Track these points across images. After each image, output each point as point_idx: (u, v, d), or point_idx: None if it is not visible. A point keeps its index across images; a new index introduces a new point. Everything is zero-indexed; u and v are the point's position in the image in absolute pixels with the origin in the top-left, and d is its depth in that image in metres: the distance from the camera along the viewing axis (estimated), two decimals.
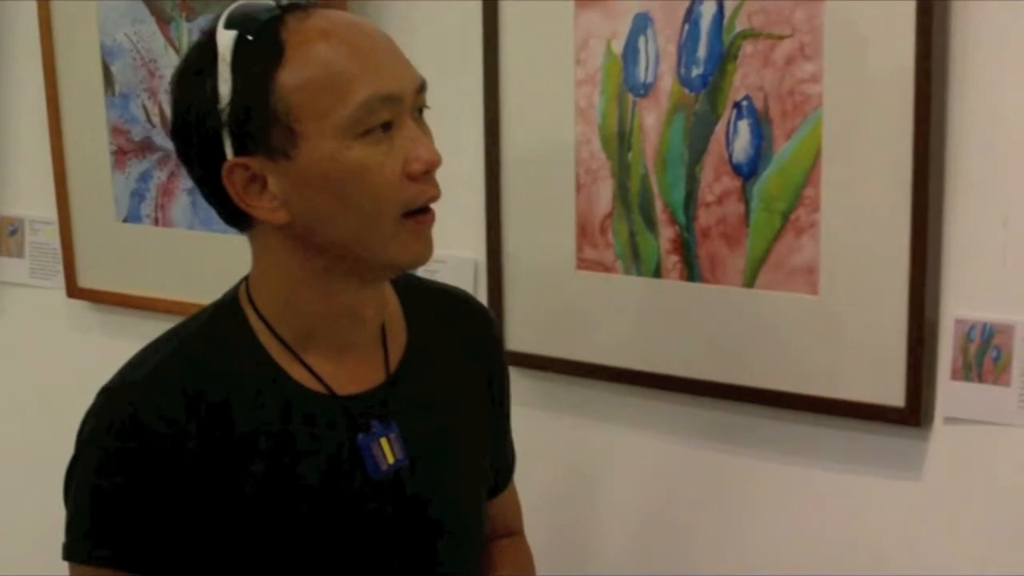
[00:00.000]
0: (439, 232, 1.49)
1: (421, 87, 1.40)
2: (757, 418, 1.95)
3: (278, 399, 1.43)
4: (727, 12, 1.86)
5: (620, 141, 1.97)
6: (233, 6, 1.39)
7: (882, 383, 1.83)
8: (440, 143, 1.46)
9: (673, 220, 1.94)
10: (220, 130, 1.36)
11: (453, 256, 2.11)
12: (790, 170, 1.84)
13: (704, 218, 1.92)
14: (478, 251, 2.11)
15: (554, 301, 2.07)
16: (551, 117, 1.99)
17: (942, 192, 1.78)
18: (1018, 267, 1.77)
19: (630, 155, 1.97)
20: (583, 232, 2.03)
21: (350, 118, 1.34)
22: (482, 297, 2.07)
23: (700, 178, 1.91)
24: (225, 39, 1.36)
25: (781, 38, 1.83)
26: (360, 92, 1.34)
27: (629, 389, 2.03)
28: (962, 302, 1.82)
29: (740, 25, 1.86)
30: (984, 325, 1.80)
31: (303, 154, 1.35)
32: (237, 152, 1.37)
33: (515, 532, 1.78)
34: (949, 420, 1.85)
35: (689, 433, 2.01)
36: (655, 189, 1.95)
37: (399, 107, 1.37)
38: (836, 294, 1.84)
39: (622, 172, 1.97)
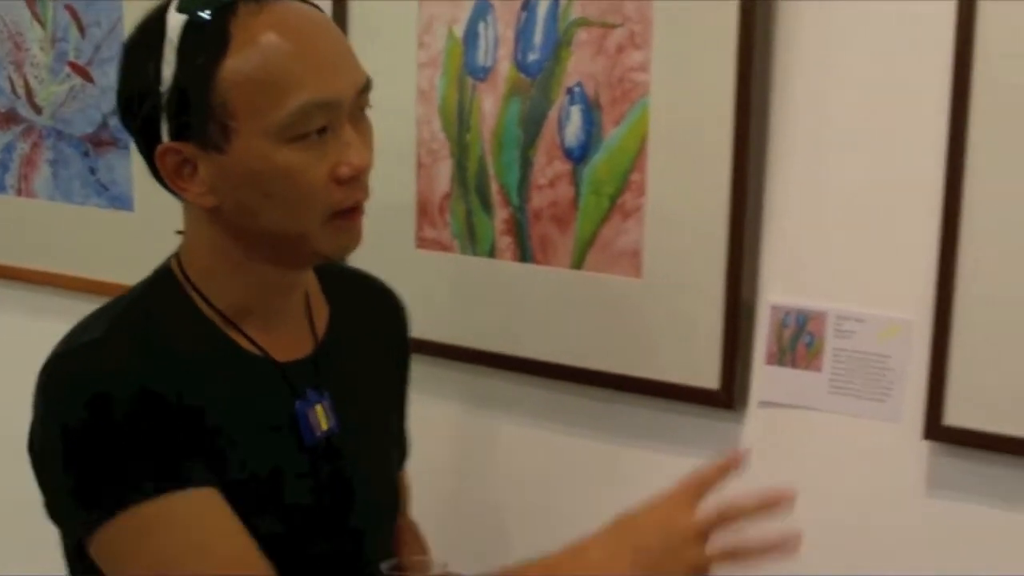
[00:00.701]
0: None
1: (365, 87, 1.41)
2: (582, 398, 2.00)
3: (227, 364, 1.45)
4: (562, 0, 1.91)
5: (459, 123, 2.01)
6: None
7: (699, 366, 1.88)
8: None
9: (507, 202, 1.99)
10: (159, 112, 1.37)
11: None
12: (618, 156, 1.89)
13: (536, 200, 1.96)
14: None
15: (394, 279, 2.10)
16: (394, 98, 2.03)
17: (762, 182, 1.84)
18: (833, 255, 1.83)
19: (468, 137, 2.01)
20: (423, 211, 2.07)
21: (283, 122, 1.35)
22: None
23: (534, 161, 1.96)
24: (175, 22, 1.36)
25: (613, 27, 1.88)
26: (297, 97, 1.35)
27: (462, 366, 2.07)
28: (778, 289, 1.87)
29: (575, 13, 1.91)
30: (799, 311, 1.85)
31: (234, 149, 1.36)
32: (173, 136, 1.37)
33: (404, 515, 1.80)
34: (764, 404, 1.90)
35: (518, 411, 2.06)
36: (491, 171, 1.99)
37: (336, 112, 1.38)
38: (658, 277, 1.90)
39: (461, 153, 2.02)
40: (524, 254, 1.98)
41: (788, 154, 1.83)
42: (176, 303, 1.46)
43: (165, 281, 1.48)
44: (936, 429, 1.78)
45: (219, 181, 1.38)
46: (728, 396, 1.88)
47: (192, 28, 1.35)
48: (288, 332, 1.51)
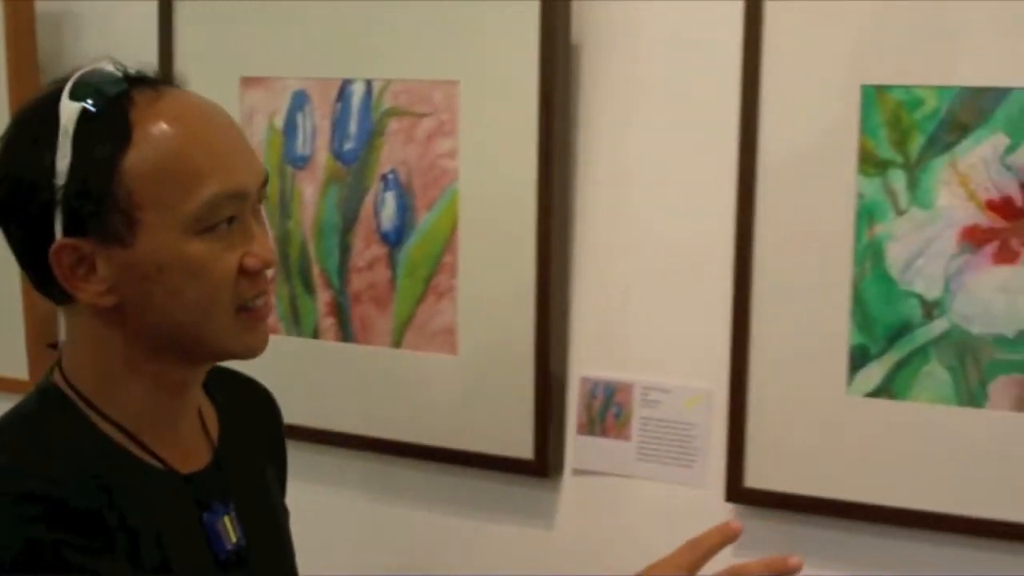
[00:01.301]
0: None
1: (265, 181, 1.36)
2: (406, 470, 2.07)
3: (129, 481, 1.33)
4: (375, 91, 2.00)
5: (281, 210, 2.09)
6: (78, 74, 1.30)
7: (514, 437, 1.96)
8: None
9: (329, 284, 2.06)
10: (53, 206, 1.26)
11: None
12: (431, 239, 1.98)
13: (356, 283, 2.04)
14: None
15: None
16: None
17: (568, 262, 1.94)
18: (636, 330, 1.93)
19: (290, 223, 2.08)
20: None
21: (195, 214, 1.28)
22: None
23: (352, 246, 2.03)
24: (69, 111, 1.27)
25: (423, 116, 1.97)
26: (208, 188, 1.28)
27: (291, 444, 2.12)
28: (587, 362, 1.95)
29: (387, 103, 1.99)
30: (607, 383, 1.94)
31: (141, 243, 1.28)
32: (68, 231, 1.27)
33: None
34: (577, 472, 1.98)
35: (343, 484, 2.12)
36: (312, 255, 2.07)
37: (243, 203, 1.31)
38: (473, 354, 1.98)
39: (283, 240, 2.09)
40: (346, 334, 2.05)
41: (591, 234, 1.94)
42: (68, 421, 1.33)
43: (51, 398, 1.35)
44: (738, 491, 1.87)
45: (121, 278, 1.29)
46: (543, 465, 1.95)
47: (89, 117, 1.27)
48: (186, 440, 1.41)
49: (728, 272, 1.83)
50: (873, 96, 1.75)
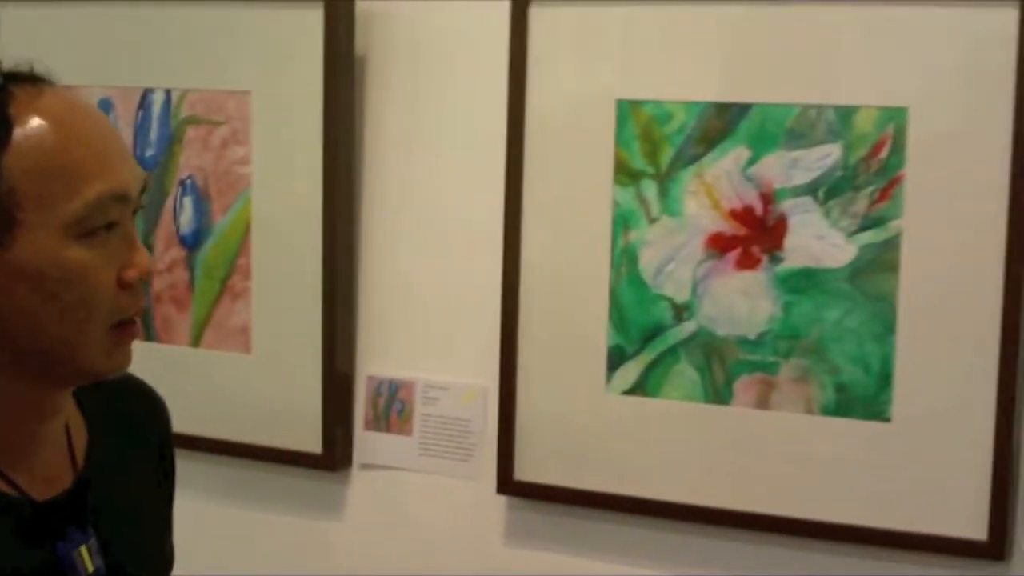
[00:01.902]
0: None
1: (144, 186, 1.27)
2: (205, 464, 2.15)
3: None
4: (174, 100, 2.08)
5: None
6: None
7: (303, 432, 2.06)
8: None
9: None
10: None
11: None
12: (226, 242, 2.06)
13: (157, 284, 2.12)
14: None
15: None
16: None
17: (354, 266, 2.05)
18: (418, 331, 2.04)
19: None
20: None
21: (78, 214, 1.18)
22: None
23: (153, 248, 2.11)
24: None
25: (218, 124, 2.06)
26: (93, 188, 1.19)
27: None
28: (374, 361, 2.05)
29: (185, 112, 2.08)
30: (391, 381, 2.04)
31: (18, 245, 1.18)
32: None
33: None
34: (364, 466, 2.07)
35: (205, 489, 2.20)
36: None
37: (125, 207, 1.23)
38: (266, 353, 2.07)
39: None
40: (149, 334, 2.13)
41: (376, 239, 2.05)
42: None
43: None
44: (508, 484, 1.97)
45: None
46: (330, 459, 2.04)
47: None
48: (46, 464, 1.31)
49: (495, 281, 1.92)
50: (627, 111, 1.85)
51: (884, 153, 1.73)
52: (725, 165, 1.81)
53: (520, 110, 1.90)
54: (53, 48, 2.15)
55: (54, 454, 1.31)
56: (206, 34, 2.06)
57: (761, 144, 1.79)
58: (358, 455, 2.08)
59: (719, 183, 1.81)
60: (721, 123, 1.80)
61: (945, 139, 1.71)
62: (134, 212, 1.25)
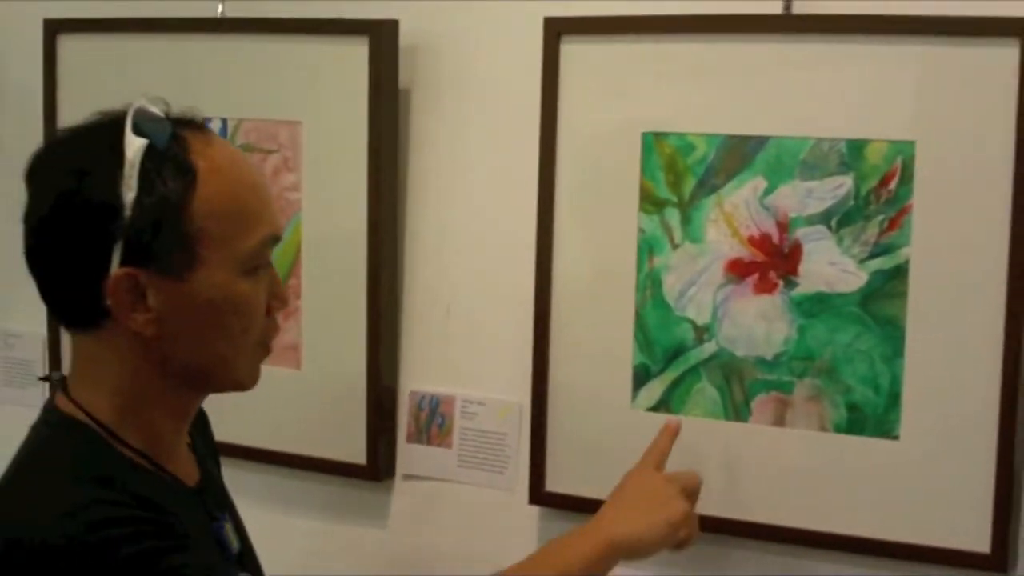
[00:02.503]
0: None
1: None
2: (253, 473, 2.28)
3: (156, 491, 1.39)
4: (230, 128, 2.22)
5: None
6: (132, 110, 1.34)
7: (349, 444, 2.18)
8: None
9: None
10: (115, 237, 1.31)
11: None
12: (279, 264, 2.19)
13: None
14: None
15: None
16: None
17: (398, 288, 2.18)
18: (458, 348, 2.16)
19: None
20: None
21: (250, 252, 1.37)
22: None
23: None
24: (135, 146, 1.31)
25: (270, 152, 2.19)
26: (263, 229, 1.38)
27: None
28: (416, 377, 2.17)
29: (240, 139, 2.21)
30: (432, 396, 2.16)
31: (196, 277, 1.35)
32: (128, 261, 1.32)
33: None
34: (406, 476, 2.19)
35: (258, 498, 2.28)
36: None
37: (275, 247, 1.43)
38: (314, 369, 2.20)
39: None
40: None
41: (419, 263, 2.17)
42: (98, 453, 1.38)
43: (74, 433, 1.39)
44: (539, 495, 2.08)
45: (170, 309, 1.35)
46: (375, 470, 2.16)
47: (155, 154, 1.32)
48: (183, 459, 1.50)
49: (531, 297, 2.04)
50: (652, 142, 1.96)
51: (893, 184, 1.83)
52: (744, 194, 1.91)
53: (552, 140, 2.01)
54: (111, 78, 2.29)
55: (185, 451, 1.51)
56: (259, 66, 2.18)
57: (777, 175, 1.88)
58: (401, 466, 2.19)
59: (738, 211, 1.91)
60: (739, 155, 1.90)
61: (950, 171, 1.80)
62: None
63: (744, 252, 1.91)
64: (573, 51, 2.00)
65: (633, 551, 1.62)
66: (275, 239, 1.41)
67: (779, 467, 1.93)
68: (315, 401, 2.19)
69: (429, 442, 2.16)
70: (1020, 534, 1.85)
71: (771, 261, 1.90)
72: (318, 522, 2.25)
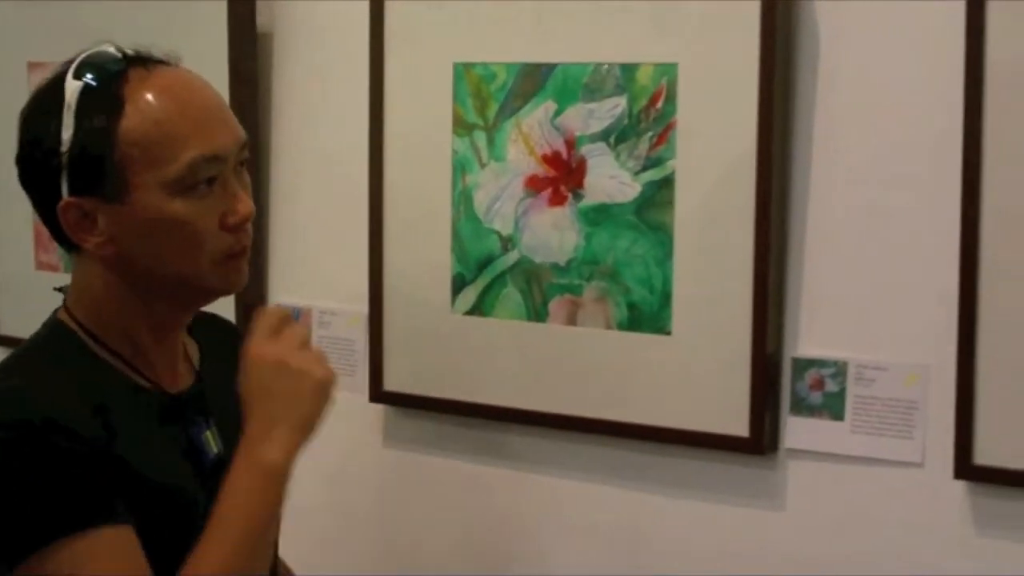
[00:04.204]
0: None
1: (244, 145, 1.51)
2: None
3: (125, 400, 1.51)
4: None
5: None
6: (83, 55, 1.48)
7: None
8: None
9: None
10: (59, 171, 1.45)
11: None
12: None
13: None
14: None
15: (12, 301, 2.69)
16: None
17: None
18: (315, 264, 2.38)
19: None
20: (38, 239, 2.65)
21: (177, 175, 1.45)
22: None
23: None
24: (72, 87, 1.45)
25: None
26: (189, 152, 1.45)
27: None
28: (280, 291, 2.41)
29: None
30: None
31: (133, 201, 1.45)
32: (72, 191, 1.45)
33: None
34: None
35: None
36: None
37: (222, 165, 1.47)
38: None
39: None
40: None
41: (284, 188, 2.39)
42: (73, 350, 1.52)
43: (58, 332, 1.54)
44: (379, 394, 2.31)
45: (118, 231, 1.47)
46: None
47: (87, 92, 1.45)
48: (172, 367, 1.59)
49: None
50: (462, 72, 2.19)
51: (660, 103, 2.03)
52: (538, 116, 2.12)
53: (380, 77, 2.25)
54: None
55: (176, 361, 1.60)
56: (126, 23, 2.45)
57: (565, 98, 2.10)
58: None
59: (533, 132, 2.13)
60: (533, 81, 2.12)
61: (707, 90, 1.99)
62: (242, 165, 1.51)
63: (539, 169, 2.13)
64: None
65: (295, 452, 1.49)
66: (211, 159, 1.47)
67: (572, 362, 2.13)
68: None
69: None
70: (781, 420, 2.01)
71: (561, 176, 2.11)
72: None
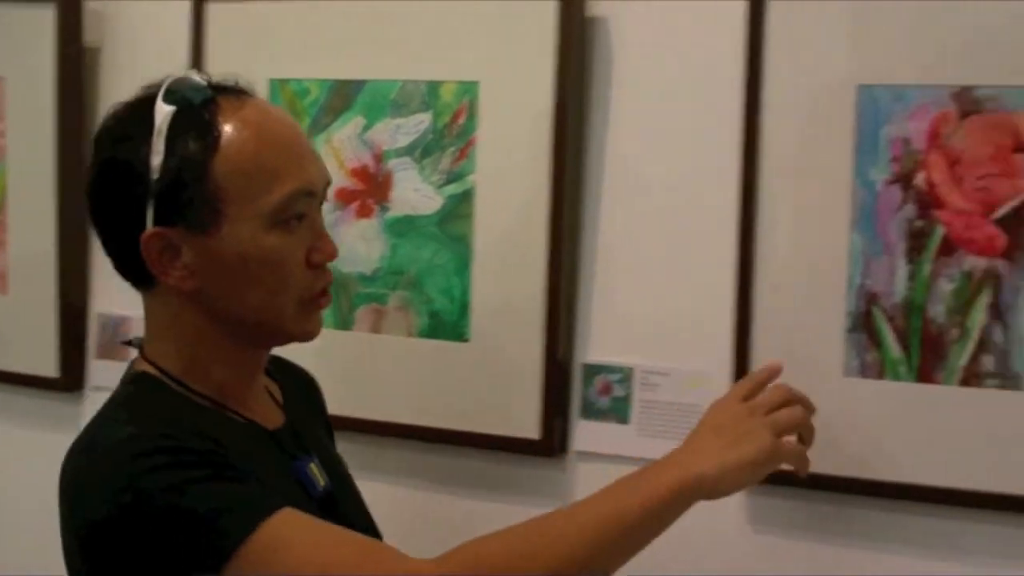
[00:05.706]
0: None
1: (328, 183, 1.50)
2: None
3: (231, 433, 1.46)
4: None
5: None
6: (170, 80, 1.44)
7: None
8: None
9: None
10: (146, 198, 1.40)
11: None
12: None
13: None
14: None
15: None
16: None
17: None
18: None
19: None
20: None
21: (274, 208, 1.42)
22: None
23: None
24: (163, 112, 1.41)
25: None
26: (287, 186, 1.43)
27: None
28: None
29: None
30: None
31: (223, 233, 1.41)
32: (158, 221, 1.41)
33: None
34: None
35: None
36: None
37: (313, 201, 1.47)
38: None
39: None
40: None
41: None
42: (166, 396, 1.47)
43: (144, 383, 1.48)
44: None
45: (203, 264, 1.43)
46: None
47: (181, 119, 1.41)
48: (261, 406, 1.56)
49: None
50: (277, 88, 2.27)
51: (462, 119, 2.12)
52: (347, 131, 2.20)
53: None
54: None
55: (264, 400, 1.58)
56: None
57: (373, 113, 2.18)
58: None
59: (343, 146, 2.21)
60: (343, 97, 2.20)
61: (506, 107, 2.08)
62: (320, 204, 1.50)
63: (348, 182, 2.20)
64: (219, 11, 2.31)
65: (716, 489, 1.44)
66: (304, 193, 1.45)
67: (375, 370, 2.20)
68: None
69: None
70: (571, 423, 2.09)
71: (369, 189, 2.19)
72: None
